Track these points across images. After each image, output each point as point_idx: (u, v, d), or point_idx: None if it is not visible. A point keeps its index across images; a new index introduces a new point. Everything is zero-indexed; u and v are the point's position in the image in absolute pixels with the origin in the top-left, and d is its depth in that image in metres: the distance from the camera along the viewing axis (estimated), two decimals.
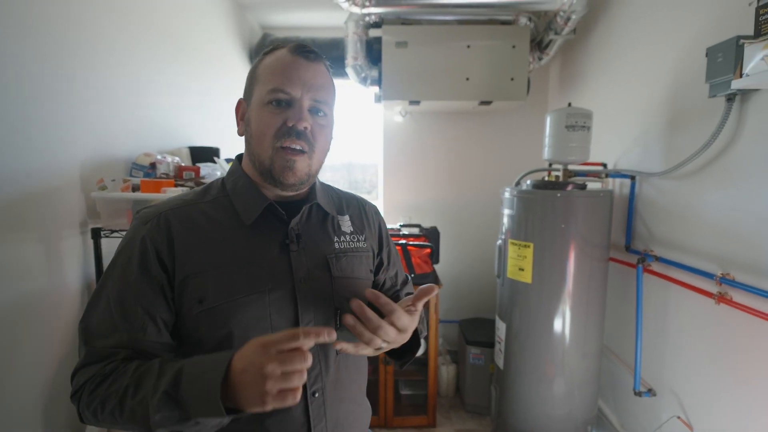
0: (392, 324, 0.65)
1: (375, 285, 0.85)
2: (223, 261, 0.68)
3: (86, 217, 1.27)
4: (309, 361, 0.52)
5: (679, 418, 1.51)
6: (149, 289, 0.66)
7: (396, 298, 0.85)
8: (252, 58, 2.69)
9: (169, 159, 1.51)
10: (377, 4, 2.09)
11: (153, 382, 0.57)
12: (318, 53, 0.71)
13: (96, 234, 1.25)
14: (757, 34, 0.94)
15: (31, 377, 1.07)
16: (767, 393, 1.20)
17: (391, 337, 0.65)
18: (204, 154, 1.80)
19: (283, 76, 0.67)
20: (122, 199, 1.26)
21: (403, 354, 0.79)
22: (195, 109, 1.96)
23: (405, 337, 0.69)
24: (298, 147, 0.67)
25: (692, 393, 1.48)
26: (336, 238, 0.78)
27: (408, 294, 0.88)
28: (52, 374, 1.14)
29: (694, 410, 1.47)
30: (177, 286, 0.67)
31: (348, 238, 0.79)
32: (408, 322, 0.66)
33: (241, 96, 0.76)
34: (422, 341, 0.80)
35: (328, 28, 2.82)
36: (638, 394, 1.69)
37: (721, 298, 1.32)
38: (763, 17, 0.93)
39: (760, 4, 0.93)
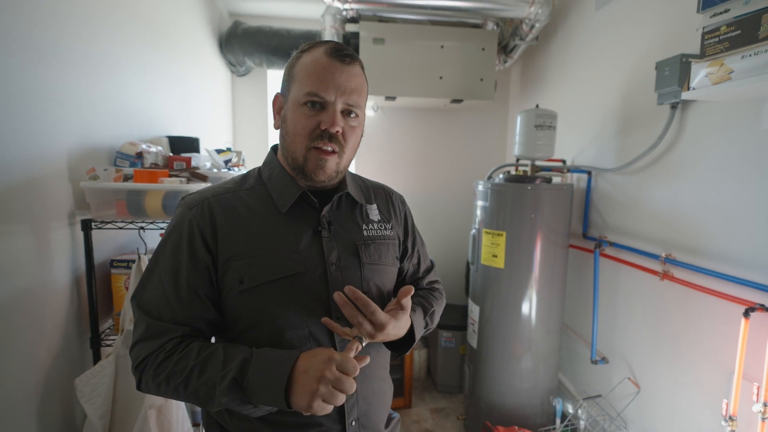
0: (369, 319, 0.69)
1: (399, 271, 0.91)
2: (261, 245, 0.73)
3: (74, 208, 1.22)
4: (353, 388, 0.62)
5: (629, 379, 1.76)
6: (196, 269, 0.71)
7: (416, 285, 0.93)
8: (222, 47, 2.61)
9: (153, 149, 1.47)
10: (359, 1, 2.14)
11: (220, 367, 0.64)
12: (353, 55, 0.74)
13: (86, 225, 1.20)
14: (703, 55, 1.14)
15: (23, 374, 1.02)
16: (699, 352, 1.45)
17: (367, 330, 0.69)
18: (184, 144, 1.75)
19: (318, 80, 0.71)
20: (115, 190, 1.22)
21: (400, 346, 0.82)
22: (171, 98, 1.89)
23: (389, 334, 0.71)
24: (329, 148, 0.73)
25: (639, 357, 1.74)
26: (364, 226, 0.83)
27: (430, 282, 0.96)
28: (46, 370, 1.09)
29: (641, 371, 1.73)
30: (220, 267, 0.72)
31: (375, 226, 0.85)
32: (384, 319, 0.69)
33: (277, 90, 0.80)
34: (423, 330, 0.84)
35: (302, 20, 2.81)
36: (594, 362, 1.93)
37: (665, 275, 1.56)
38: (708, 41, 1.12)
39: (705, 30, 1.13)
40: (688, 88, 1.19)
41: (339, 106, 0.72)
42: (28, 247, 1.05)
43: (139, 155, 1.40)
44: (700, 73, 1.15)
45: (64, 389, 1.15)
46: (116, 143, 1.41)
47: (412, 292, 0.73)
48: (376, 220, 0.86)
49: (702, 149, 1.45)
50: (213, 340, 0.78)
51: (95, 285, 1.23)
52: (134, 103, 1.56)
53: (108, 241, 1.37)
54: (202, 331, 0.72)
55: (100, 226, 1.22)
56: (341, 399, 0.61)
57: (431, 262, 1.01)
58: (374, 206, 0.88)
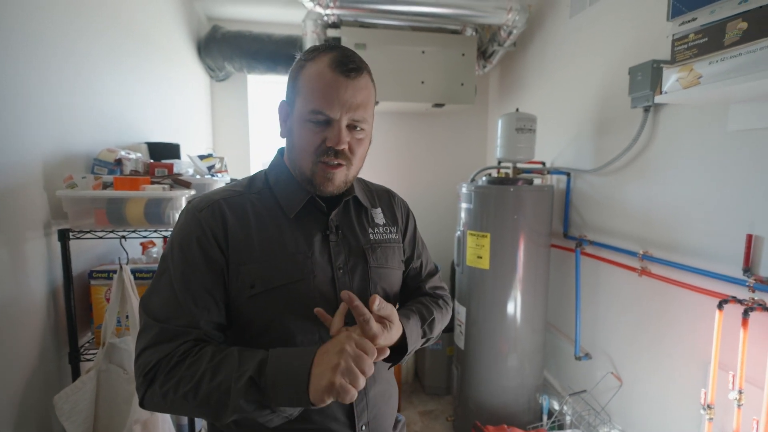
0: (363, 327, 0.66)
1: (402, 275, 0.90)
2: (272, 250, 0.72)
3: (50, 218, 1.17)
4: (371, 370, 0.60)
5: (612, 373, 1.81)
6: (210, 271, 0.69)
7: (418, 290, 0.93)
8: (200, 52, 2.56)
9: (133, 155, 1.43)
10: (341, 6, 2.15)
11: (235, 367, 0.61)
12: (359, 66, 0.71)
13: (63, 236, 1.16)
14: (673, 60, 1.20)
15: None
16: (677, 344, 1.51)
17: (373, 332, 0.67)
18: (164, 150, 1.71)
19: (323, 98, 0.68)
20: (94, 198, 1.18)
21: (392, 355, 0.77)
22: (149, 104, 1.84)
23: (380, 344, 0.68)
24: (336, 162, 0.72)
25: (621, 352, 1.79)
26: (371, 230, 0.83)
27: (433, 287, 0.94)
28: (22, 387, 1.03)
29: (623, 365, 1.78)
30: (231, 270, 0.70)
31: (381, 230, 0.85)
32: (377, 330, 0.66)
33: (283, 98, 0.78)
34: (421, 340, 0.81)
35: (283, 24, 2.80)
36: (578, 358, 1.98)
37: (643, 271, 1.62)
38: (678, 48, 1.18)
39: (675, 37, 1.19)
40: (661, 92, 1.25)
41: (344, 122, 0.70)
42: (2, 258, 1.00)
43: (118, 162, 1.36)
44: (671, 78, 1.21)
45: (41, 407, 1.09)
46: (93, 150, 1.36)
47: (377, 301, 0.67)
48: (382, 223, 0.86)
49: (674, 150, 1.52)
50: None
51: (74, 297, 1.18)
52: (112, 108, 1.51)
53: (87, 252, 1.32)
54: (217, 337, 0.70)
55: (78, 236, 1.17)
56: (361, 381, 0.58)
57: (435, 266, 1.01)
58: (379, 210, 0.88)
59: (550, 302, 2.20)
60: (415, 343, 0.78)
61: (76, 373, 1.20)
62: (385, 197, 0.92)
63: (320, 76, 0.70)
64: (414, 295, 0.92)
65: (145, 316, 0.68)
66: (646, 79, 1.52)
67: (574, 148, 2.12)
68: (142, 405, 0.65)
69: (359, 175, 0.86)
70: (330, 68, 0.69)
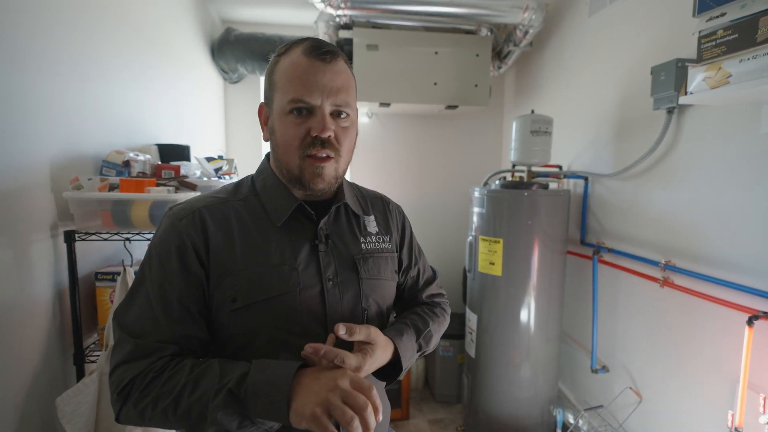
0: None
1: (397, 285, 0.86)
2: (255, 261, 0.69)
3: (56, 219, 1.17)
4: (369, 410, 0.54)
5: (631, 388, 1.72)
6: (189, 283, 0.66)
7: (414, 299, 0.89)
8: (214, 54, 2.58)
9: (141, 157, 1.43)
10: (352, 7, 2.12)
11: (216, 380, 0.58)
12: (333, 50, 0.69)
13: (69, 237, 1.16)
14: (699, 59, 1.12)
15: (1, 392, 0.97)
16: (702, 361, 1.42)
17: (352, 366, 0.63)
18: (173, 152, 1.71)
19: (301, 85, 0.66)
20: (99, 200, 1.18)
21: (387, 373, 0.75)
22: (161, 105, 1.85)
23: (369, 370, 0.66)
24: (324, 154, 0.68)
25: (641, 366, 1.70)
26: (362, 239, 0.79)
27: (430, 295, 0.90)
28: (26, 390, 1.04)
29: (643, 381, 1.69)
30: (212, 283, 0.67)
31: (374, 239, 0.80)
32: (356, 362, 0.62)
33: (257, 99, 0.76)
34: (416, 354, 0.78)
35: (295, 26, 2.80)
36: (595, 371, 1.89)
37: (665, 282, 1.53)
38: (704, 46, 1.11)
39: (702, 34, 1.11)
40: (686, 93, 1.17)
41: (327, 109, 0.67)
42: (8, 260, 1.00)
43: (126, 164, 1.36)
44: (697, 78, 1.14)
45: (45, 409, 1.10)
46: (103, 152, 1.37)
47: (341, 329, 0.63)
48: (374, 232, 0.82)
49: (700, 154, 1.44)
50: None
51: (79, 299, 1.19)
52: (123, 110, 1.52)
53: (93, 253, 1.33)
54: (195, 351, 0.67)
55: (84, 237, 1.17)
56: (353, 422, 0.52)
57: (433, 272, 0.96)
58: (372, 217, 0.84)
59: (566, 311, 2.11)
60: (409, 361, 0.74)
61: (80, 375, 1.20)
62: (379, 204, 0.88)
63: (295, 65, 0.67)
64: (410, 305, 0.88)
65: (119, 331, 0.65)
66: (670, 79, 1.44)
67: (593, 151, 2.03)
68: (117, 420, 0.63)
69: (353, 181, 0.83)
70: (304, 55, 0.67)
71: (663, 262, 1.54)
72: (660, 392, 1.60)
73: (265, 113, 0.75)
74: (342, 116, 0.70)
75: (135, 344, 0.63)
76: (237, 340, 0.68)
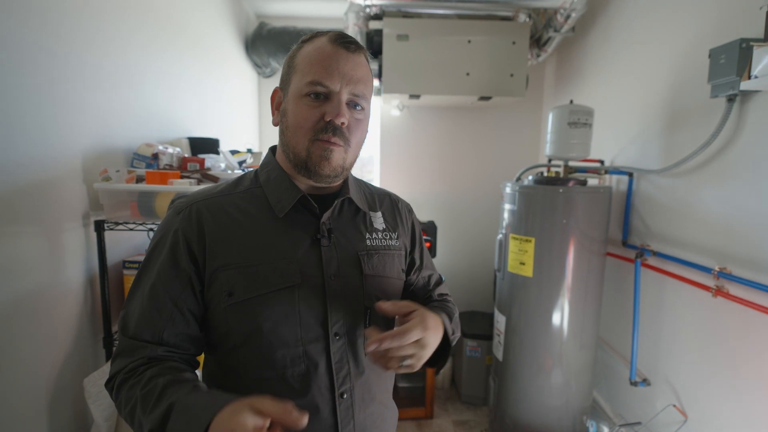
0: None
1: (407, 285, 0.84)
2: (254, 254, 0.67)
3: (88, 209, 1.23)
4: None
5: (674, 406, 1.57)
6: (178, 281, 0.65)
7: (429, 300, 0.85)
8: (248, 48, 2.63)
9: (170, 150, 1.47)
10: None
11: (149, 409, 0.56)
12: (359, 44, 0.69)
13: (99, 226, 1.21)
14: (767, 38, 0.98)
15: (34, 375, 1.03)
16: (759, 381, 1.26)
17: (410, 351, 0.62)
18: (204, 145, 1.75)
19: (322, 68, 0.65)
20: (126, 191, 1.22)
21: (435, 360, 0.73)
22: (192, 99, 1.90)
23: (427, 353, 0.65)
24: (333, 142, 0.66)
25: (687, 382, 1.55)
26: (368, 235, 0.76)
27: (441, 294, 0.87)
28: (57, 371, 1.10)
29: (688, 398, 1.54)
30: (207, 278, 0.66)
31: (380, 236, 0.78)
32: (419, 333, 0.61)
33: (273, 85, 0.75)
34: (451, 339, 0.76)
35: (326, 19, 2.78)
36: (634, 383, 1.75)
37: (718, 292, 1.37)
38: None
39: None
40: (749, 77, 1.03)
41: (344, 97, 0.66)
42: (42, 247, 1.06)
43: (155, 156, 1.40)
44: (764, 59, 1.00)
45: (76, 389, 1.16)
46: (134, 144, 1.42)
47: (372, 346, 0.60)
48: (381, 228, 0.79)
49: (765, 147, 1.26)
50: (201, 357, 0.73)
51: (108, 285, 1.24)
52: (154, 104, 1.57)
53: (123, 242, 1.38)
54: (187, 349, 0.67)
55: (111, 227, 1.22)
56: None
57: (440, 276, 0.93)
58: (379, 214, 0.81)
59: (604, 317, 1.97)
60: (454, 338, 0.74)
61: (109, 358, 1.26)
62: (387, 201, 0.84)
63: (319, 50, 0.67)
64: (425, 303, 0.84)
65: (118, 325, 0.67)
66: (732, 62, 1.27)
67: (638, 145, 1.86)
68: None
69: (381, 176, 0.79)
70: (329, 42, 0.67)
71: (717, 269, 1.38)
72: (708, 413, 1.45)
73: (278, 98, 0.73)
74: (357, 108, 0.69)
75: (120, 341, 0.65)
76: (233, 338, 0.66)
